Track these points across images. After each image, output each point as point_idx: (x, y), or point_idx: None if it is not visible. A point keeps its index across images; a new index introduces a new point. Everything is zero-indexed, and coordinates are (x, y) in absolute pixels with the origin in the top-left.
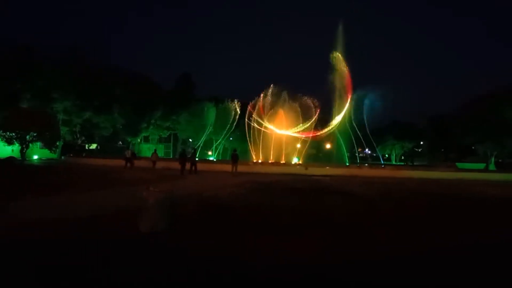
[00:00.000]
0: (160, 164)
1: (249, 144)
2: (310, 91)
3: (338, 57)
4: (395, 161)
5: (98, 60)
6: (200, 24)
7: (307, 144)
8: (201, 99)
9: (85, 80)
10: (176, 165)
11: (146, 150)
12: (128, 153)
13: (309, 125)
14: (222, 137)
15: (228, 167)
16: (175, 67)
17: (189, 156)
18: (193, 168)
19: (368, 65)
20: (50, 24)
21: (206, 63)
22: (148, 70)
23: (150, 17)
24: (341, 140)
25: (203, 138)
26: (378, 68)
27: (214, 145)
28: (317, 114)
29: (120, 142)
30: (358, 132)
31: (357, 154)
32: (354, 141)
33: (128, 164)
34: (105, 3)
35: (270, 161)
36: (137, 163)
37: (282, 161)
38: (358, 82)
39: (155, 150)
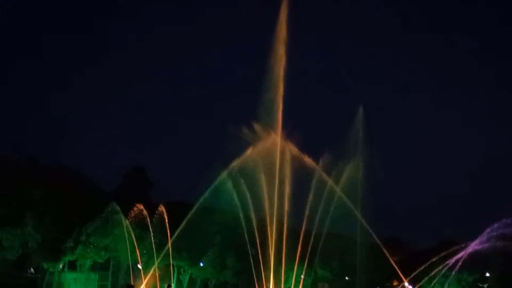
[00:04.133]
0: None
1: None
2: None
3: None
4: None
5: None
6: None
7: None
8: (159, 204)
9: None
10: None
11: (71, 282)
12: None
13: None
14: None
15: None
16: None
17: None
18: None
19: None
20: None
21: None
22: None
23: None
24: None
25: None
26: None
27: (176, 276)
28: None
29: (32, 270)
30: (388, 255)
31: None
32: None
33: None
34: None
35: None
36: None
37: None
38: None
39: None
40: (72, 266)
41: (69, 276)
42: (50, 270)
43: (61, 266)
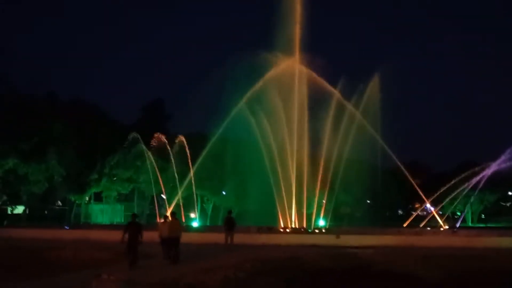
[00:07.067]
0: (113, 236)
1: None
2: None
3: None
4: (473, 221)
5: (26, 86)
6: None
7: None
8: (176, 135)
9: (5, 113)
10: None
11: (98, 213)
12: None
13: None
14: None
15: (220, 238)
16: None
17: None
18: (175, 253)
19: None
20: None
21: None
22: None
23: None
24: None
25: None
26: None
27: (199, 204)
28: None
29: (60, 203)
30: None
31: (414, 212)
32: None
33: None
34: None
35: (285, 227)
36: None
37: (297, 227)
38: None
39: (173, 216)
40: (98, 198)
41: (95, 208)
42: (77, 202)
43: (87, 198)
